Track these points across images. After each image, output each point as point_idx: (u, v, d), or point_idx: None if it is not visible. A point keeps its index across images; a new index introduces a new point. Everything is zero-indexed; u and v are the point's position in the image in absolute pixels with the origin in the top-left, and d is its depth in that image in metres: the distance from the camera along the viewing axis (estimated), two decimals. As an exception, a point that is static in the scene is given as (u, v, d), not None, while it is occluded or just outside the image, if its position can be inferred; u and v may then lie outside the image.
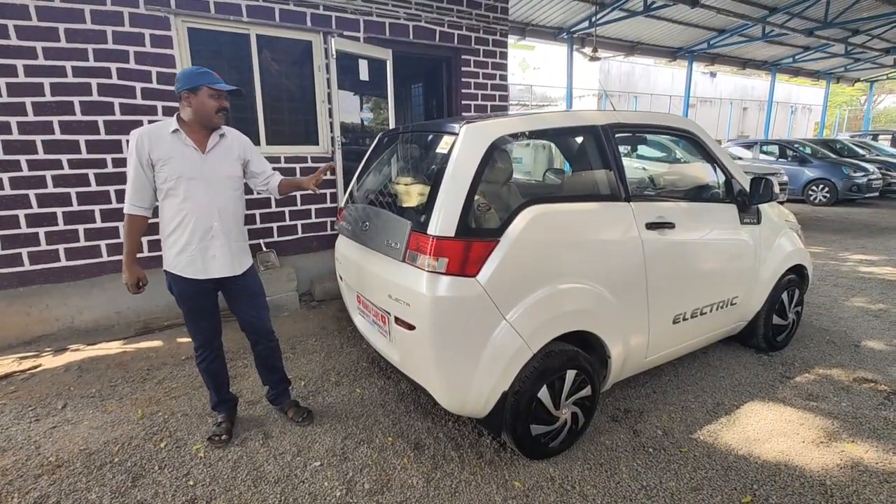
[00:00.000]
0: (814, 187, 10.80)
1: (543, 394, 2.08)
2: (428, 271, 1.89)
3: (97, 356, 3.34)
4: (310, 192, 2.50)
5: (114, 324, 3.80)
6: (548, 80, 18.46)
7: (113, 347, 3.48)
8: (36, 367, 3.19)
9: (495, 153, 2.03)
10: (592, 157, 2.32)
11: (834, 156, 11.23)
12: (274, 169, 4.28)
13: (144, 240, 3.74)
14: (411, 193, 2.23)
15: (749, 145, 12.16)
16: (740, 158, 9.71)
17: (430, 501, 1.98)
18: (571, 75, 11.41)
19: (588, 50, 9.82)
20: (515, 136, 2.11)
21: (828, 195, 10.57)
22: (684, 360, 3.10)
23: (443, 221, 1.89)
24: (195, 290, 2.20)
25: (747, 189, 2.75)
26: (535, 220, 2.01)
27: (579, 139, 2.47)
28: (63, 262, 3.58)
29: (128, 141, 2.13)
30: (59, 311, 3.61)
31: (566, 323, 2.09)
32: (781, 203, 8.66)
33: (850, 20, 11.21)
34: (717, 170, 2.79)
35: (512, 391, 2.02)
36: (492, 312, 1.93)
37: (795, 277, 3.19)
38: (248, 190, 3.96)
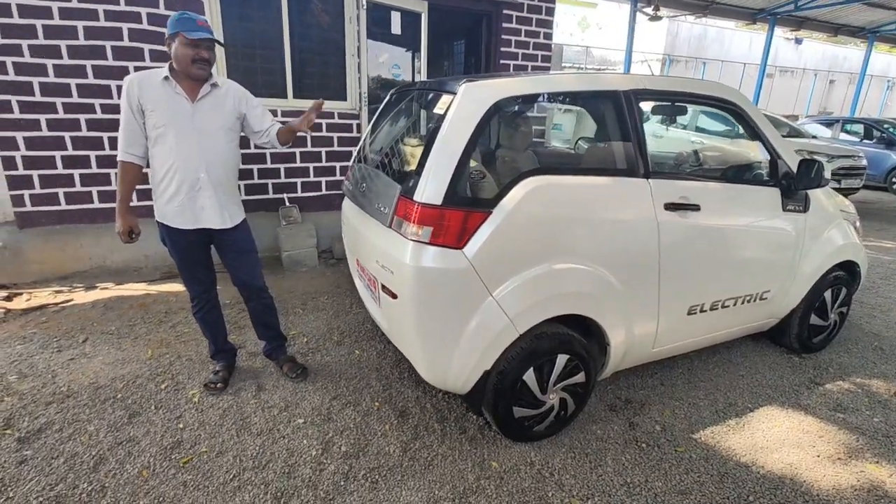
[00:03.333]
0: (899, 174, 9.68)
1: (529, 377, 1.97)
2: (412, 240, 1.79)
3: (123, 296, 3.52)
4: (303, 133, 2.27)
5: (142, 266, 3.98)
6: (611, 41, 17.26)
7: (138, 289, 3.65)
8: (68, 301, 3.41)
9: (496, 116, 1.86)
10: (610, 126, 2.09)
11: (929, 140, 9.96)
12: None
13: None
14: (406, 156, 2.11)
15: (829, 123, 10.98)
16: (815, 137, 8.77)
17: (402, 471, 1.96)
18: (633, 36, 10.59)
19: (650, 9, 9.00)
20: (521, 99, 1.92)
21: (915, 184, 9.46)
22: (702, 353, 2.88)
23: (430, 188, 1.76)
24: (187, 242, 2.21)
25: (794, 171, 2.43)
26: (533, 192, 1.85)
27: (597, 105, 2.23)
28: (96, 204, 3.75)
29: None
30: (93, 251, 3.81)
31: (559, 305, 1.94)
32: (855, 189, 7.83)
33: (974, -19, 9.63)
34: (763, 148, 2.47)
35: (495, 370, 1.93)
36: (477, 288, 1.82)
37: (844, 275, 2.85)
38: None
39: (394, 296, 1.94)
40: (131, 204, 2.21)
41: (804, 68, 20.43)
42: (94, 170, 3.69)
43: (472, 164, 1.86)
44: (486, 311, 1.84)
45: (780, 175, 2.46)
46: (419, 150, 2.01)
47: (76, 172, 3.65)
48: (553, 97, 2.12)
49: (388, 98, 2.70)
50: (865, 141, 10.24)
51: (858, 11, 12.61)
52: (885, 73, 23.18)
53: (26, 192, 3.55)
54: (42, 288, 3.56)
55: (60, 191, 3.63)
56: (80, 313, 3.24)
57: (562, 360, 2.02)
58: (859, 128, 10.64)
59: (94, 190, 3.72)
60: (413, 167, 1.96)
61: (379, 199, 2.08)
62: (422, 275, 1.79)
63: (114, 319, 3.17)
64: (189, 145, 2.08)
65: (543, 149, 3.92)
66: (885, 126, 10.32)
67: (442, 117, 1.84)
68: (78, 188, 3.67)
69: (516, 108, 1.94)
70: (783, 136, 7.96)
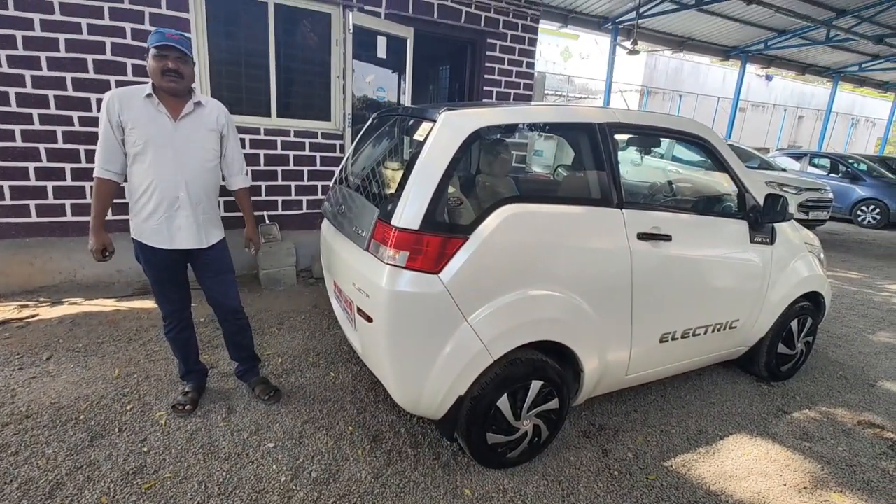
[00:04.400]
0: (863, 207, 10.14)
1: (503, 402, 1.97)
2: (388, 264, 1.80)
3: (92, 312, 3.42)
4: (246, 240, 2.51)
5: (114, 281, 3.89)
6: (594, 71, 17.82)
7: (108, 305, 3.56)
8: (33, 316, 3.29)
9: (475, 144, 1.90)
10: (585, 157, 2.16)
11: (891, 175, 10.47)
12: (283, 142, 4.29)
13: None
14: (386, 180, 2.13)
15: (798, 156, 11.46)
16: (784, 169, 9.13)
17: (373, 498, 1.93)
18: (612, 68, 10.96)
19: (628, 43, 9.35)
20: (499, 128, 1.97)
21: (878, 217, 9.90)
22: (675, 380, 2.92)
23: (408, 213, 1.78)
24: (162, 260, 2.18)
25: (760, 205, 2.53)
26: (510, 220, 1.88)
27: (573, 137, 2.30)
28: (69, 217, 3.67)
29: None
30: (63, 265, 3.71)
31: (534, 331, 1.96)
32: (822, 221, 8.15)
33: (928, 29, 10.29)
34: (732, 182, 2.57)
35: (469, 396, 1.93)
36: (452, 313, 1.83)
37: (809, 305, 2.95)
38: (247, 162, 3.93)
39: (369, 319, 1.93)
40: (107, 217, 2.18)
41: (775, 103, 21.37)
42: (69, 182, 3.62)
43: (451, 190, 1.89)
44: (461, 336, 1.85)
45: (747, 208, 2.56)
46: (398, 175, 2.04)
47: (49, 185, 3.58)
48: (531, 127, 2.18)
49: (369, 122, 2.74)
50: (832, 175, 10.70)
51: (823, 53, 13.31)
52: (849, 111, 24.37)
53: (-5, 204, 3.46)
54: (7, 302, 3.44)
55: (32, 203, 3.55)
56: (46, 329, 3.13)
57: (536, 386, 2.03)
58: (826, 162, 11.12)
59: (68, 203, 3.64)
60: (392, 192, 1.98)
61: (357, 222, 2.09)
62: (397, 299, 1.80)
63: (81, 336, 3.07)
64: (169, 163, 2.07)
65: (523, 175, 4.00)
66: (850, 161, 10.83)
67: (421, 144, 1.88)
68: (51, 200, 3.59)
69: (495, 136, 1.98)
70: (755, 168, 8.26)
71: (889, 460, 2.32)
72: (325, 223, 2.69)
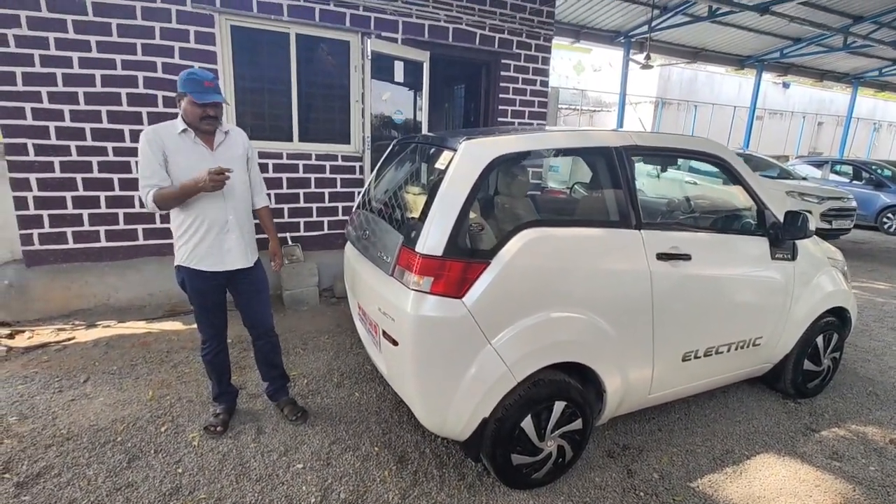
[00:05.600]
0: (890, 214, 9.91)
1: (527, 424, 2.00)
2: (413, 289, 1.86)
3: (125, 334, 3.55)
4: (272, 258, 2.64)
5: (145, 304, 4.03)
6: (608, 83, 17.86)
7: (140, 327, 3.68)
8: (70, 339, 3.43)
9: (494, 172, 1.97)
10: (604, 181, 2.20)
11: (917, 181, 10.24)
12: (305, 166, 4.42)
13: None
14: (408, 207, 2.20)
15: (819, 164, 11.29)
16: (805, 178, 8.99)
17: (401, 520, 1.96)
18: (626, 82, 10.99)
19: (641, 57, 9.39)
20: (518, 156, 2.03)
21: (905, 224, 9.65)
22: (699, 398, 2.90)
23: (431, 239, 1.85)
24: (209, 285, 2.29)
25: (781, 222, 2.53)
26: (530, 244, 1.93)
27: (590, 160, 2.35)
28: (103, 243, 3.83)
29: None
30: (97, 289, 3.86)
31: (556, 353, 2.00)
32: (847, 230, 7.98)
33: (949, 32, 10.12)
34: (750, 199, 2.58)
35: (493, 418, 1.96)
36: (476, 336, 1.88)
37: (835, 320, 2.91)
38: (270, 186, 4.07)
39: (395, 342, 1.99)
40: (140, 242, 2.28)
41: (793, 111, 21.07)
42: (104, 209, 3.78)
43: (472, 216, 1.95)
44: (485, 358, 1.89)
45: (767, 225, 2.56)
46: (421, 201, 2.11)
47: (85, 212, 3.74)
48: (548, 153, 2.23)
49: (390, 148, 2.83)
50: (855, 182, 10.50)
51: (841, 59, 13.17)
52: (871, 116, 23.86)
53: (35, 231, 3.63)
54: (45, 326, 3.59)
55: (69, 230, 3.72)
56: (82, 352, 3.26)
57: (559, 406, 2.05)
58: (849, 169, 10.93)
59: (102, 229, 3.80)
60: (415, 218, 2.04)
61: (381, 248, 2.16)
62: (423, 323, 1.85)
63: (116, 359, 3.19)
64: (215, 191, 2.18)
65: (540, 194, 4.05)
66: (873, 167, 10.61)
67: (443, 172, 1.95)
68: (86, 227, 3.76)
69: (511, 163, 2.05)
70: (774, 178, 8.14)
71: (924, 481, 2.27)
72: (349, 246, 2.77)
